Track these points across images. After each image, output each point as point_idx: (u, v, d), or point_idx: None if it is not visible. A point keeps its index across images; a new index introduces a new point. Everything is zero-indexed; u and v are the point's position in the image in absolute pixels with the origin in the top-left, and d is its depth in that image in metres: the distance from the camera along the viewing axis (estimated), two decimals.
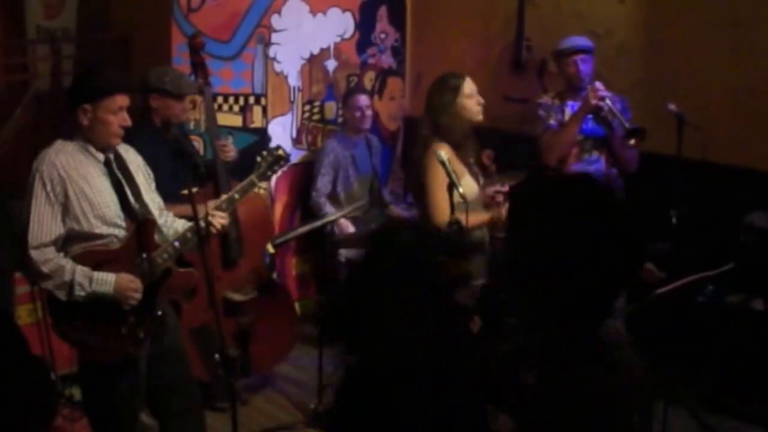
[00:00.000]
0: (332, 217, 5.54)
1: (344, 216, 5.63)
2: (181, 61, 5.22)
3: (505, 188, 4.78)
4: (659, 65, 5.59)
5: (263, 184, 5.83)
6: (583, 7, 5.92)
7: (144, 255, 3.84)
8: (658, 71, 5.59)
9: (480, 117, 4.57)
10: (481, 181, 4.76)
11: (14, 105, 6.07)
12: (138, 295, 3.77)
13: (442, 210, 4.38)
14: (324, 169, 6.21)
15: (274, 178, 5.98)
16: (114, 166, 3.87)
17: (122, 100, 3.78)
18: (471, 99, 4.49)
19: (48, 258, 3.66)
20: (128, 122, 3.80)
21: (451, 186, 4.24)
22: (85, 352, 3.86)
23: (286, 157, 4.38)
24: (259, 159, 4.35)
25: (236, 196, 4.21)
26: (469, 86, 4.50)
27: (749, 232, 4.96)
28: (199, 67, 5.11)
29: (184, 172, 4.93)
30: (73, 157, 3.77)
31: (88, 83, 3.87)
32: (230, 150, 5.29)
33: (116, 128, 3.77)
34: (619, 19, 5.77)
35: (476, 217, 4.40)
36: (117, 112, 3.76)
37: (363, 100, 6.33)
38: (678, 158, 4.96)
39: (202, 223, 3.91)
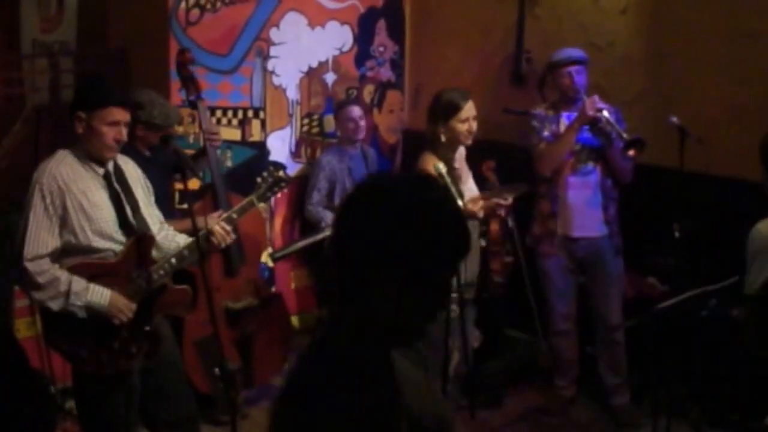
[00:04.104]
0: (330, 232, 5.51)
1: None
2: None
3: (508, 201, 4.78)
4: (661, 77, 5.58)
5: None
6: (584, 19, 5.91)
7: (140, 270, 3.82)
8: (660, 83, 5.58)
9: (468, 142, 4.57)
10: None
11: (9, 119, 6.05)
12: (127, 317, 3.77)
13: None
14: (320, 183, 6.18)
15: None
16: (113, 179, 3.85)
17: (119, 113, 3.76)
18: (464, 124, 4.48)
19: (43, 269, 3.64)
20: (123, 137, 3.78)
21: None
22: (77, 365, 3.84)
23: (286, 179, 4.36)
24: (259, 180, 4.35)
25: (234, 215, 4.21)
26: (467, 112, 4.49)
27: None
28: (189, 81, 5.09)
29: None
30: (74, 169, 3.75)
31: (86, 92, 3.87)
32: (218, 139, 5.27)
33: (109, 141, 3.74)
34: (621, 32, 5.76)
35: None
36: (112, 125, 3.73)
37: (355, 111, 6.31)
38: (680, 171, 4.94)
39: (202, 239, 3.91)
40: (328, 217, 6.09)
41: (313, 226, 6.13)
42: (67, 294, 3.64)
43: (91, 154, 3.79)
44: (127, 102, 3.88)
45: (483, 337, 5.57)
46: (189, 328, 4.87)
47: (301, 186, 6.53)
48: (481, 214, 4.59)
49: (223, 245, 4.19)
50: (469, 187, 4.67)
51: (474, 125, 4.53)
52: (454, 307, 4.38)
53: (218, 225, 4.11)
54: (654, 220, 5.20)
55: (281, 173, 4.34)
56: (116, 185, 3.87)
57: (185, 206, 4.85)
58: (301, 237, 6.12)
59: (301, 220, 6.60)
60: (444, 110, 4.49)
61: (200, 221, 3.94)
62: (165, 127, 4.82)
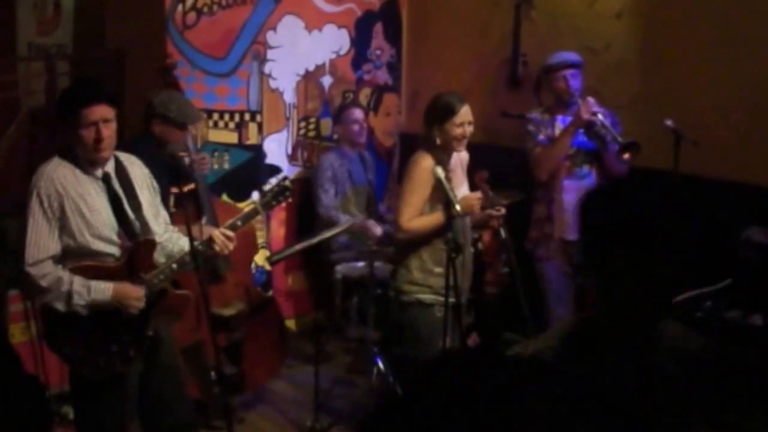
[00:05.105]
0: (328, 235, 5.50)
1: (337, 234, 5.58)
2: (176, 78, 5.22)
3: (501, 212, 4.77)
4: (656, 81, 5.59)
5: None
6: (579, 23, 5.92)
7: (140, 275, 3.81)
8: (655, 87, 5.59)
9: (461, 148, 4.56)
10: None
11: (4, 122, 6.05)
12: (141, 303, 3.74)
13: (408, 214, 4.45)
14: (327, 184, 6.18)
15: None
16: (113, 181, 3.83)
17: (94, 112, 3.66)
18: (458, 128, 4.46)
19: (46, 272, 3.63)
20: (102, 135, 3.66)
21: (448, 203, 4.24)
22: (75, 368, 3.83)
23: (291, 189, 4.34)
24: (265, 189, 4.33)
25: (239, 223, 4.17)
26: (462, 116, 4.46)
27: (747, 247, 4.94)
28: (171, 87, 5.09)
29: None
30: (73, 172, 3.73)
31: (59, 103, 3.84)
32: (206, 163, 5.29)
33: (89, 141, 3.66)
34: (616, 35, 5.77)
35: (428, 219, 4.45)
36: (89, 126, 3.65)
37: (358, 113, 6.34)
38: (675, 173, 4.94)
39: (202, 246, 3.91)
40: (343, 219, 6.05)
41: (326, 226, 6.03)
42: (70, 294, 3.63)
43: (86, 158, 3.78)
44: (101, 98, 3.72)
45: (480, 340, 5.57)
46: (176, 335, 4.86)
47: (298, 189, 6.52)
48: (478, 208, 4.58)
49: (225, 252, 4.14)
50: (462, 193, 4.66)
51: (469, 130, 4.51)
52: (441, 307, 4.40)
53: (219, 232, 4.08)
54: None
55: (287, 182, 4.31)
56: (116, 187, 3.83)
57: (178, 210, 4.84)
58: (299, 240, 6.11)
59: (298, 223, 6.61)
60: (440, 113, 4.49)
61: (194, 230, 3.90)
62: (182, 123, 4.82)
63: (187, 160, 5.33)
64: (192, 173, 5.11)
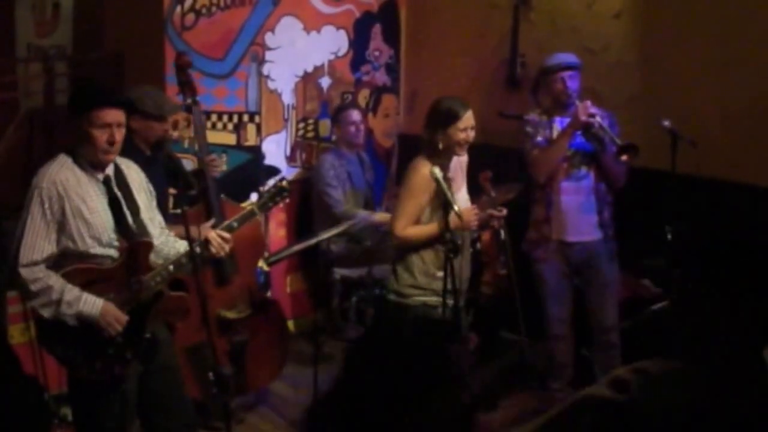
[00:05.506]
0: (326, 235, 5.51)
1: (337, 234, 5.58)
2: (174, 79, 5.20)
3: (502, 213, 4.77)
4: (654, 81, 5.59)
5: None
6: (578, 24, 5.93)
7: (137, 277, 3.82)
8: (653, 87, 5.59)
9: (462, 153, 4.56)
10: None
11: (3, 123, 6.05)
12: (118, 329, 3.75)
13: (403, 221, 4.47)
14: (334, 182, 6.16)
15: None
16: (113, 184, 3.84)
17: (109, 115, 3.70)
18: (462, 133, 4.46)
19: (37, 277, 3.63)
20: (115, 138, 3.71)
21: (447, 204, 4.24)
22: (72, 370, 3.83)
23: (288, 190, 4.33)
24: (262, 190, 4.33)
25: (235, 224, 4.19)
26: (465, 121, 4.46)
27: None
28: (186, 86, 5.07)
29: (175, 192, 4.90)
30: (74, 174, 3.73)
31: (75, 96, 3.85)
32: (219, 165, 5.27)
33: (102, 144, 3.69)
34: (614, 36, 5.77)
35: (423, 229, 4.47)
36: (103, 128, 3.68)
37: (355, 115, 6.34)
38: (672, 174, 4.95)
39: (198, 247, 3.91)
40: (361, 214, 6.03)
41: (339, 221, 5.99)
42: (59, 303, 3.63)
43: (89, 159, 3.78)
44: (119, 102, 3.79)
45: (478, 340, 5.57)
46: (180, 335, 4.86)
47: (297, 190, 6.52)
48: (475, 225, 4.60)
49: (221, 254, 4.15)
50: (461, 197, 4.66)
51: (471, 135, 4.51)
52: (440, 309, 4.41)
53: (215, 233, 4.08)
54: (647, 222, 5.21)
55: (284, 183, 4.31)
56: (116, 190, 3.84)
57: (178, 211, 4.83)
58: (297, 241, 6.11)
59: (297, 224, 6.61)
60: (443, 118, 4.47)
61: (193, 230, 3.90)
62: (160, 115, 4.80)
63: (193, 164, 5.33)
64: (205, 175, 5.08)
